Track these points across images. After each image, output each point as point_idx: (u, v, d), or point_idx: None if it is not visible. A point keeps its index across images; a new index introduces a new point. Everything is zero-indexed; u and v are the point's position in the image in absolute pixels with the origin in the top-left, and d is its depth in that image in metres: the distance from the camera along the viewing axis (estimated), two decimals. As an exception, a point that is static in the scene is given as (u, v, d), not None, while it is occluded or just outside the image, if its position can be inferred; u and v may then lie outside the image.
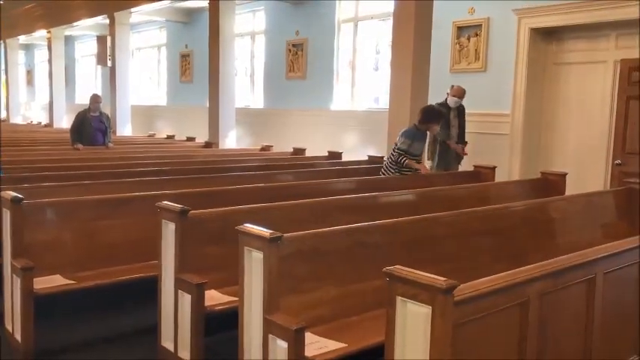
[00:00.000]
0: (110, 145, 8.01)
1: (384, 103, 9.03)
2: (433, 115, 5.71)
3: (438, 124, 5.80)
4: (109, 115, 8.24)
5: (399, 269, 1.98)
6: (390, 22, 7.95)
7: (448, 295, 1.88)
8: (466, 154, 6.73)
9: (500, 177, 6.21)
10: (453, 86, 6.83)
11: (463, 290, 1.98)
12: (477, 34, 7.53)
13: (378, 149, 7.78)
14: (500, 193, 5.18)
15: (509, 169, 7.14)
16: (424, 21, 5.95)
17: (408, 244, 3.24)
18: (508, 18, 7.17)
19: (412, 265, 2.05)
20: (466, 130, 6.80)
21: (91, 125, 7.89)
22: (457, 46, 7.74)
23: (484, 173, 5.93)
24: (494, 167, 5.97)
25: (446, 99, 6.71)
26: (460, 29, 7.70)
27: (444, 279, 1.89)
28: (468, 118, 6.86)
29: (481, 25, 7.47)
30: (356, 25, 9.60)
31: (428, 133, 5.95)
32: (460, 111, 6.81)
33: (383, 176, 5.79)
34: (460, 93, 6.74)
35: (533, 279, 2.31)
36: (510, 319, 2.26)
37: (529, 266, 2.39)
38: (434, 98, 6.55)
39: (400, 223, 3.32)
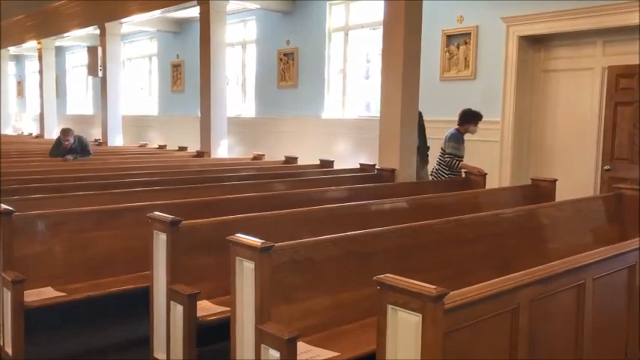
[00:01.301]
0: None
1: (375, 111, 9.06)
2: (469, 116, 6.14)
3: (475, 125, 6.17)
4: (82, 139, 8.33)
5: (390, 277, 2.00)
6: (380, 31, 8.00)
7: (438, 302, 1.89)
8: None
9: (491, 184, 6.24)
10: None
11: (453, 298, 2.00)
12: (466, 43, 7.59)
13: (370, 157, 7.80)
14: (491, 200, 5.20)
15: (499, 176, 7.19)
16: (413, 30, 5.99)
17: (400, 251, 3.25)
18: (496, 26, 7.24)
19: (403, 273, 2.06)
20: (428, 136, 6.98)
21: (66, 150, 8.00)
22: (447, 54, 7.80)
23: (475, 180, 5.97)
24: (485, 174, 6.00)
25: None
26: (449, 37, 7.77)
27: (434, 287, 1.91)
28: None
29: (470, 33, 7.54)
30: (346, 34, 9.66)
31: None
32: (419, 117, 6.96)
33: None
34: None
35: (523, 285, 2.33)
36: (501, 325, 2.27)
37: (519, 273, 2.41)
38: (425, 106, 6.60)
39: (391, 231, 3.33)
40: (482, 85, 7.48)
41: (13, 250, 3.41)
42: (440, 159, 6.30)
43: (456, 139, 6.14)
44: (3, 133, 17.02)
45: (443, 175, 6.19)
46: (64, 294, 3.44)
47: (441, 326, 1.91)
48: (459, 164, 6.09)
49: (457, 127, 6.23)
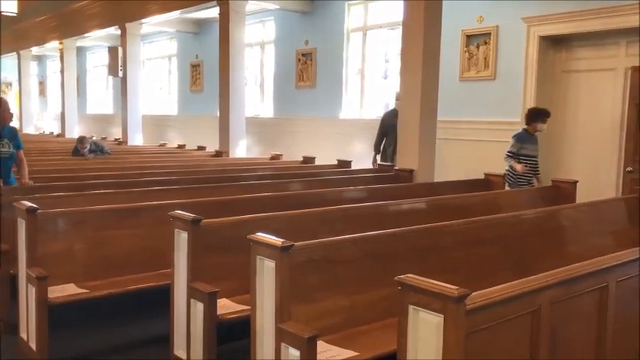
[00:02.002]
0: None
1: (393, 111, 9.04)
2: (535, 114, 6.06)
3: (543, 122, 6.06)
4: (98, 142, 8.61)
5: (411, 278, 1.99)
6: (398, 31, 7.98)
7: (460, 303, 1.88)
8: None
9: (510, 185, 6.19)
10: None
11: (475, 299, 1.99)
12: (486, 43, 7.54)
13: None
14: (510, 201, 5.17)
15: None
16: (433, 30, 5.98)
17: (418, 252, 3.24)
18: (517, 26, 7.18)
19: (422, 274, 2.06)
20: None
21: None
22: (466, 54, 7.75)
23: (494, 181, 5.92)
24: (504, 175, 5.96)
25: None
26: (469, 37, 7.72)
27: (456, 287, 1.90)
28: (478, 126, 6.88)
29: (490, 33, 7.49)
30: (365, 34, 9.65)
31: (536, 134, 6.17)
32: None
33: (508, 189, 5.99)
34: (400, 96, 7.31)
35: (545, 287, 2.31)
36: (522, 327, 2.26)
37: (541, 274, 2.39)
38: (444, 106, 6.57)
39: (410, 231, 3.33)
40: (501, 86, 7.43)
41: (37, 247, 3.46)
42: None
43: (518, 138, 6.02)
44: (25, 132, 17.30)
45: (509, 178, 6.02)
46: (86, 291, 3.49)
47: (463, 327, 1.90)
48: (511, 161, 5.93)
49: (525, 127, 6.14)
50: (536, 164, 6.11)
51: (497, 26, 7.42)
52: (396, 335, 2.09)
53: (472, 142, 7.53)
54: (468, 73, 7.75)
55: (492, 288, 2.16)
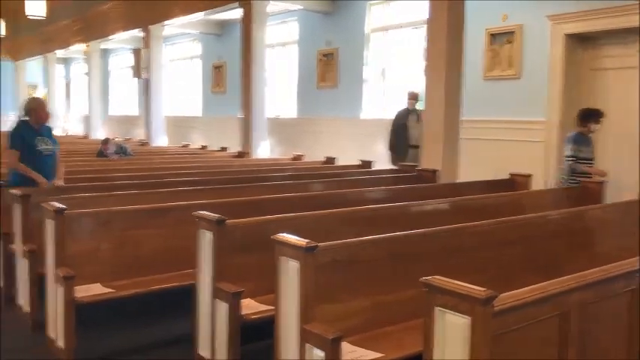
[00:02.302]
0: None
1: (415, 111, 8.99)
2: (588, 115, 5.87)
3: (596, 123, 5.87)
4: (122, 145, 8.84)
5: (438, 279, 1.97)
6: (420, 30, 7.94)
7: (487, 305, 1.86)
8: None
9: (535, 185, 6.11)
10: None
11: (502, 300, 1.96)
12: (510, 41, 7.45)
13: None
14: (535, 202, 5.10)
15: (544, 177, 7.02)
16: (457, 29, 5.93)
17: (442, 254, 3.21)
18: (542, 24, 7.09)
19: (446, 276, 2.03)
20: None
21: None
22: (490, 53, 7.67)
23: (519, 181, 5.84)
24: (530, 175, 5.87)
25: None
26: (493, 36, 7.64)
27: (484, 289, 1.88)
28: (502, 125, 6.81)
29: (514, 31, 7.40)
30: (386, 34, 9.61)
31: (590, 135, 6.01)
32: (418, 114, 7.45)
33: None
34: (413, 95, 7.65)
35: (573, 289, 2.27)
36: (550, 330, 2.22)
37: (569, 276, 2.35)
38: (468, 106, 6.51)
39: (434, 232, 3.30)
40: (526, 85, 7.33)
41: (64, 247, 3.51)
42: (564, 164, 5.97)
43: (575, 140, 5.78)
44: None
45: (568, 182, 5.79)
46: (112, 290, 3.53)
47: (490, 329, 1.88)
48: (580, 166, 5.72)
49: (579, 128, 5.90)
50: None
51: (521, 25, 7.33)
52: (421, 337, 2.07)
53: (496, 141, 7.44)
54: (492, 72, 7.66)
55: (520, 290, 2.13)
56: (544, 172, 7.05)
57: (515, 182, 5.86)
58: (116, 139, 9.66)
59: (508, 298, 2.03)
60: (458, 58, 6.00)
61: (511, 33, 7.44)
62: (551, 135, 7.08)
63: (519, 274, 3.31)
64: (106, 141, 8.59)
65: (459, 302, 1.91)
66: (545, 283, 2.26)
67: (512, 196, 5.21)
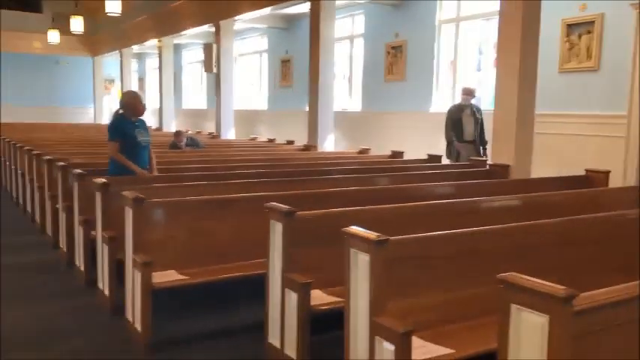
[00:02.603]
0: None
1: (486, 104, 8.78)
2: None
3: None
4: (193, 138, 9.10)
5: (515, 276, 1.93)
6: (493, 22, 7.73)
7: (567, 304, 1.80)
8: (486, 142, 7.34)
9: (614, 182, 5.83)
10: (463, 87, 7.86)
11: (583, 300, 1.89)
12: (589, 32, 7.13)
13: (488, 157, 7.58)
14: (613, 200, 4.86)
15: (624, 174, 6.69)
16: (532, 20, 5.72)
17: (514, 251, 3.13)
18: (625, 13, 6.73)
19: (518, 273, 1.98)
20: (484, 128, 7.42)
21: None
22: (567, 44, 7.37)
23: (596, 178, 5.59)
24: (608, 172, 5.61)
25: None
26: (570, 27, 7.33)
27: (563, 287, 1.82)
28: (579, 119, 6.54)
29: (594, 21, 7.07)
30: (457, 26, 9.41)
31: None
32: (474, 110, 7.55)
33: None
34: (467, 91, 7.54)
35: (659, 292, 2.15)
36: (633, 333, 2.12)
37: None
38: (542, 99, 6.28)
39: (506, 229, 3.21)
40: (606, 77, 7.00)
41: (143, 234, 3.67)
42: None
43: None
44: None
45: None
46: (186, 277, 3.65)
47: (570, 329, 1.82)
48: None
49: None
50: None
51: (602, 14, 6.99)
52: (492, 334, 2.03)
53: (572, 136, 7.17)
54: (569, 64, 7.37)
55: (601, 290, 2.05)
56: (623, 169, 6.71)
57: (592, 179, 5.61)
58: (188, 132, 9.98)
59: (588, 298, 1.95)
60: (533, 50, 5.78)
61: (590, 23, 7.11)
62: (633, 129, 6.72)
63: (594, 274, 3.17)
64: (178, 133, 8.88)
65: (537, 300, 1.85)
66: (626, 284, 2.16)
67: (587, 194, 5.00)
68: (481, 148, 7.63)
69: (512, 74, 5.74)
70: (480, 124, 7.66)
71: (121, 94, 5.49)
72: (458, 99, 9.44)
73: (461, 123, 7.56)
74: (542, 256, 3.23)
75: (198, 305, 4.24)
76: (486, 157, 7.42)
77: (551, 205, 4.41)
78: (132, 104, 5.29)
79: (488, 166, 6.16)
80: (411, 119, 9.83)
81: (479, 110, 7.73)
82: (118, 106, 5.40)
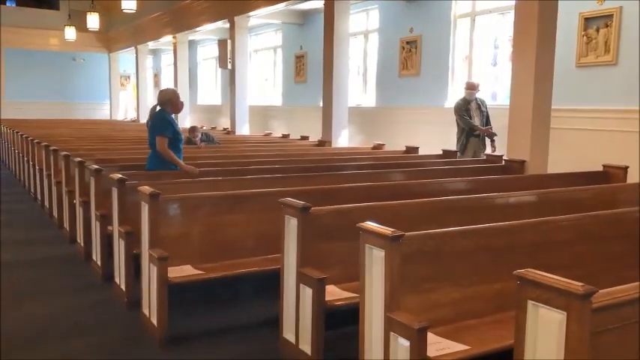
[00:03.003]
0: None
1: (501, 99, 8.72)
2: None
3: None
4: (208, 134, 9.02)
5: (531, 272, 1.91)
6: (509, 16, 7.65)
7: (586, 301, 1.78)
8: (495, 134, 7.57)
9: (631, 178, 5.76)
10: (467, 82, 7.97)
11: (601, 297, 1.87)
12: (607, 25, 7.03)
13: (497, 148, 7.53)
14: (632, 196, 4.80)
15: (642, 170, 6.61)
16: (548, 13, 5.65)
17: (531, 247, 3.11)
18: (644, 6, 6.64)
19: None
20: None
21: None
22: (584, 38, 7.27)
23: (614, 174, 5.53)
24: (627, 167, 5.54)
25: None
26: (587, 20, 7.24)
27: (581, 284, 1.80)
28: (597, 114, 6.45)
29: (612, 15, 6.97)
30: (473, 20, 9.34)
31: None
32: (479, 103, 7.73)
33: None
34: (471, 85, 7.66)
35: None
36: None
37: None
38: (559, 94, 6.21)
39: (522, 225, 3.19)
40: (624, 71, 6.90)
41: (159, 229, 3.69)
42: None
43: None
44: (142, 122, 18.46)
45: None
46: (202, 272, 3.68)
47: (588, 326, 1.80)
48: None
49: None
50: None
51: (620, 7, 6.89)
52: (508, 331, 2.02)
53: (589, 131, 7.09)
54: (586, 58, 7.28)
55: (620, 287, 2.02)
56: (642, 165, 6.63)
57: (610, 174, 5.55)
58: (203, 127, 10.00)
59: (606, 295, 1.93)
60: (549, 44, 5.71)
61: (609, 16, 7.01)
62: (651, 125, 6.64)
63: (612, 271, 3.15)
64: (193, 129, 8.91)
65: (554, 296, 1.84)
66: (646, 281, 2.13)
67: (605, 189, 4.95)
68: (488, 139, 7.70)
69: (528, 69, 5.68)
70: (486, 117, 7.76)
71: (160, 91, 5.58)
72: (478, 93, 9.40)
73: (469, 116, 7.59)
74: (559, 253, 3.20)
75: (214, 300, 4.26)
76: (495, 148, 7.54)
77: (568, 201, 4.37)
78: (174, 101, 5.41)
79: (504, 162, 6.11)
80: (426, 114, 9.78)
81: (483, 103, 7.86)
82: (156, 103, 5.49)
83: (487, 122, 7.75)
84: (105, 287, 4.63)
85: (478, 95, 7.85)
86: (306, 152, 8.17)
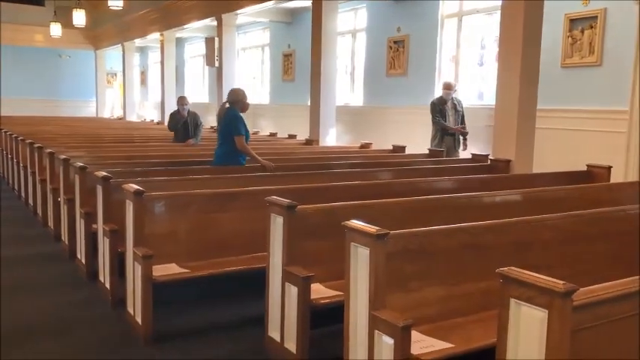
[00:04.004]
0: (192, 141, 8.38)
1: (488, 99, 8.77)
2: None
3: None
4: (197, 117, 8.77)
5: (514, 270, 1.93)
6: (496, 16, 7.70)
7: (567, 299, 1.80)
8: (467, 132, 7.79)
9: (616, 178, 5.83)
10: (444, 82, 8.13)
11: (582, 295, 1.89)
12: (591, 26, 7.10)
13: (483, 147, 7.57)
14: (615, 195, 4.86)
15: (625, 170, 6.68)
16: (534, 15, 5.70)
17: (515, 246, 3.13)
18: (628, 8, 6.70)
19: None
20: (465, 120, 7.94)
21: (184, 124, 8.47)
22: (569, 39, 7.34)
23: (598, 173, 5.59)
24: (610, 167, 5.61)
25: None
26: (573, 21, 7.30)
27: (563, 282, 1.82)
28: (581, 115, 6.52)
29: (597, 16, 7.04)
30: (460, 20, 9.38)
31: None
32: (455, 103, 7.90)
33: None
34: (447, 86, 7.88)
35: (658, 287, 2.15)
36: (632, 328, 2.12)
37: (654, 273, 2.23)
38: (543, 94, 6.27)
39: (507, 224, 3.21)
40: (608, 72, 6.98)
41: (144, 227, 3.67)
42: None
43: None
44: (128, 119, 18.35)
45: None
46: (187, 270, 3.66)
47: (569, 324, 1.82)
48: None
49: None
50: None
51: (605, 8, 6.96)
52: (492, 329, 2.03)
53: (574, 131, 7.15)
54: (571, 59, 7.35)
55: (601, 285, 2.05)
56: (625, 165, 6.70)
57: (594, 174, 5.61)
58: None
59: (587, 293, 1.95)
60: (535, 44, 5.76)
61: (593, 18, 7.08)
62: (635, 125, 6.70)
63: (596, 270, 3.19)
64: (182, 98, 8.66)
65: (535, 294, 1.86)
66: (628, 279, 2.16)
67: (589, 189, 4.99)
68: (461, 138, 7.86)
69: (513, 69, 5.73)
70: (461, 117, 7.93)
71: (231, 90, 5.95)
72: (460, 93, 9.45)
73: (443, 115, 7.67)
74: (543, 252, 3.23)
75: (199, 298, 4.25)
76: (465, 146, 7.79)
77: (553, 201, 4.40)
78: (243, 101, 5.73)
79: (489, 161, 6.16)
80: (413, 114, 9.80)
81: (460, 103, 8.03)
82: (225, 100, 5.83)
83: (462, 122, 7.91)
84: (89, 285, 4.60)
85: (456, 95, 8.06)
86: (294, 151, 8.16)
